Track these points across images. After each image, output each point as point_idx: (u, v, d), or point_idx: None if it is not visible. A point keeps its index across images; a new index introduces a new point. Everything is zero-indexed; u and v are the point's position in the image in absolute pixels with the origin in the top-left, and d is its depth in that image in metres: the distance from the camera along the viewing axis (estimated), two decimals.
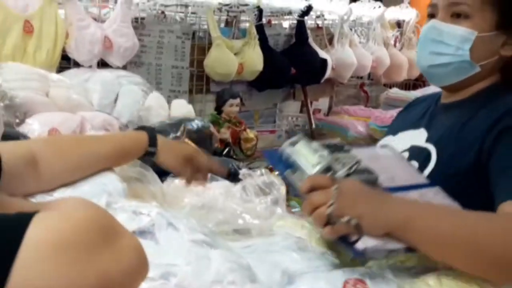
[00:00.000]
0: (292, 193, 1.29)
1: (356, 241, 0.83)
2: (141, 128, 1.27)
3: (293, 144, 0.98)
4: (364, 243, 0.83)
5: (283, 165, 0.97)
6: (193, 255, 0.83)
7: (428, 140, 1.10)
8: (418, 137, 1.13)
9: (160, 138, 1.21)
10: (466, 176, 1.00)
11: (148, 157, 1.20)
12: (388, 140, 1.25)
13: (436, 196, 0.99)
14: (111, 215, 0.63)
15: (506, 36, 1.07)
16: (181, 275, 0.78)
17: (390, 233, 0.84)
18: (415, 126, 1.19)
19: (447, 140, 1.06)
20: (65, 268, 0.53)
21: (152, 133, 1.21)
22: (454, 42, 1.08)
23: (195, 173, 1.25)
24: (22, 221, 0.55)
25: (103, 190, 1.03)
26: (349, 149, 1.01)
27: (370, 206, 0.86)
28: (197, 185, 1.25)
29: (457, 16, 1.08)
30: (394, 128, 1.29)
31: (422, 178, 1.04)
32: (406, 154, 1.12)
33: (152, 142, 1.19)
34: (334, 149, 0.98)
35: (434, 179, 1.02)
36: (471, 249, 0.81)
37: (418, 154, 1.09)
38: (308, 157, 0.94)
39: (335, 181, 0.88)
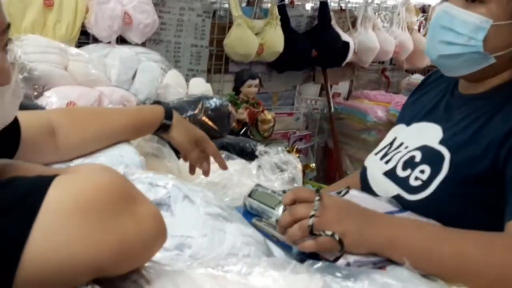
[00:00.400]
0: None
1: (337, 258, 0.81)
2: (157, 102, 1.28)
3: (251, 195, 1.02)
4: (346, 258, 0.81)
5: (250, 217, 0.98)
6: (209, 228, 0.83)
7: (442, 142, 1.04)
8: (432, 135, 1.07)
9: (175, 114, 1.22)
10: (480, 183, 0.95)
11: (162, 131, 1.21)
12: (401, 129, 1.20)
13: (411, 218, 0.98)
14: (131, 183, 0.63)
15: None
16: (196, 246, 0.79)
17: (374, 252, 0.83)
18: (429, 117, 1.13)
19: (462, 144, 1.00)
20: (84, 231, 0.54)
21: (168, 107, 1.22)
22: (466, 31, 0.98)
23: (201, 157, 1.25)
24: (42, 184, 0.55)
25: (120, 161, 1.04)
26: (318, 192, 1.04)
27: (354, 223, 0.84)
28: (201, 169, 1.25)
29: (472, 0, 0.98)
30: (407, 115, 1.22)
31: (393, 207, 1.03)
32: (418, 154, 1.07)
33: (168, 115, 1.20)
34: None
35: (446, 185, 0.98)
36: (455, 265, 0.80)
37: (431, 158, 1.04)
38: (268, 201, 0.98)
39: (317, 193, 0.86)
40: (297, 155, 2.91)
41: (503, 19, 0.96)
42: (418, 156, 1.07)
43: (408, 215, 1.02)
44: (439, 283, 0.74)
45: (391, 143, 1.18)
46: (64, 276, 0.54)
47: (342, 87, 3.82)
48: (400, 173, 1.08)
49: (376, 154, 1.21)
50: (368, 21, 3.48)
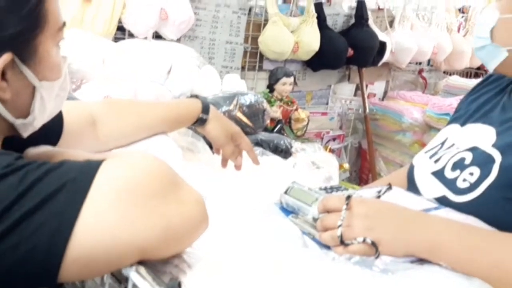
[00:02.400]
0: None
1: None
2: (195, 97, 1.30)
3: (287, 192, 1.02)
4: (381, 259, 0.81)
5: (286, 213, 0.98)
6: (247, 219, 0.85)
7: (494, 145, 1.02)
8: (486, 137, 1.06)
9: (212, 108, 1.25)
10: None
11: (199, 124, 1.23)
12: (454, 129, 1.19)
13: (449, 215, 0.97)
14: (175, 171, 0.66)
15: None
16: (235, 238, 0.80)
17: (412, 255, 0.82)
18: (485, 119, 1.11)
19: None
20: (131, 214, 0.56)
21: (205, 101, 1.25)
22: (482, 25, 1.04)
23: (235, 151, 1.27)
24: (92, 166, 0.58)
25: (160, 153, 1.06)
26: (346, 188, 1.06)
27: (388, 230, 0.83)
28: (234, 163, 1.27)
29: None
30: (462, 116, 1.21)
31: (430, 203, 1.02)
32: (469, 156, 1.05)
33: (205, 109, 1.22)
34: (330, 190, 1.05)
35: (494, 189, 0.97)
36: (496, 276, 0.78)
37: (481, 160, 1.02)
38: (305, 198, 0.98)
39: (346, 201, 0.86)
40: (331, 155, 2.91)
41: (508, 12, 0.99)
42: (468, 157, 1.05)
43: (446, 211, 1.01)
44: (478, 282, 0.74)
45: (443, 143, 1.17)
46: (110, 256, 0.56)
47: (378, 87, 3.79)
48: (449, 174, 1.07)
49: (426, 152, 1.20)
50: (406, 21, 3.45)
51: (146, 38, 2.45)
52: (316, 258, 0.71)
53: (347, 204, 0.86)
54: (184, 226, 0.61)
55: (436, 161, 1.13)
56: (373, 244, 0.81)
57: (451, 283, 0.72)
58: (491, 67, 1.08)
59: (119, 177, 0.58)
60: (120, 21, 2.40)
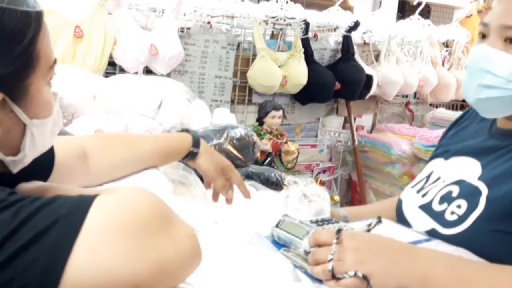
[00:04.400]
0: None
1: None
2: (185, 131, 1.30)
3: (278, 225, 1.02)
4: None
5: (278, 247, 0.99)
6: (238, 253, 0.84)
7: (480, 178, 1.03)
8: (470, 170, 1.07)
9: (203, 142, 1.25)
10: None
11: (189, 158, 1.23)
12: (439, 163, 1.20)
13: (438, 247, 0.97)
14: (168, 205, 0.65)
15: None
16: (226, 272, 0.80)
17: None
18: (468, 152, 1.12)
19: (500, 179, 0.98)
20: (124, 250, 0.56)
21: (195, 135, 1.25)
22: (505, 74, 0.96)
23: (226, 185, 1.26)
24: (85, 202, 0.58)
25: (150, 187, 1.06)
26: (337, 221, 1.06)
27: (379, 264, 0.83)
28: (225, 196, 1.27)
29: (510, 41, 0.97)
30: (445, 150, 1.21)
31: (420, 235, 1.03)
32: (456, 189, 1.06)
33: (196, 143, 1.23)
34: (321, 223, 1.05)
35: (482, 221, 0.97)
36: None
37: (468, 193, 1.03)
38: (296, 231, 0.98)
39: (337, 235, 0.86)
40: (322, 187, 2.91)
41: None
42: (455, 190, 1.06)
43: (436, 244, 1.01)
44: None
45: (428, 177, 1.18)
46: None
47: (366, 120, 3.83)
48: (436, 207, 1.07)
49: (412, 187, 1.21)
50: (391, 55, 3.51)
51: (136, 73, 2.46)
52: None
53: (337, 238, 0.86)
54: (178, 261, 0.60)
55: (423, 196, 1.14)
56: (365, 277, 0.81)
57: None
58: (501, 115, 1.05)
59: (112, 213, 0.57)
60: (111, 57, 2.42)
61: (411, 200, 1.17)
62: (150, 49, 2.51)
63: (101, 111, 1.82)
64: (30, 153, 0.73)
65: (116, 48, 2.41)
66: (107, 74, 2.45)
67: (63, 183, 0.95)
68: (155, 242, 0.58)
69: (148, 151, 1.16)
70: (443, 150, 1.22)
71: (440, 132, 3.17)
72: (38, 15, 0.68)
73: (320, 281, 0.86)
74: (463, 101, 4.07)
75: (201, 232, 0.90)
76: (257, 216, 1.16)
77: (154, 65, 2.58)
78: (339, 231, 0.88)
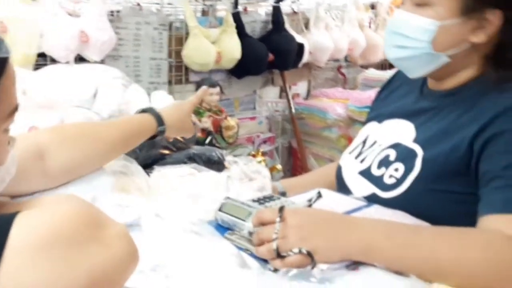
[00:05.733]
0: None
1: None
2: (142, 111, 1.21)
3: (221, 208, 1.00)
4: (318, 267, 0.80)
5: (222, 231, 0.96)
6: (182, 245, 0.82)
7: (415, 140, 1.04)
8: (405, 132, 1.07)
9: (163, 114, 1.18)
10: (452, 179, 0.95)
11: (159, 136, 1.19)
12: (373, 127, 1.20)
13: (378, 212, 0.99)
14: (96, 207, 0.61)
15: (475, 21, 0.96)
16: (171, 266, 0.77)
17: (347, 259, 0.82)
18: (401, 114, 1.12)
19: (434, 141, 1.00)
20: (52, 269, 0.52)
21: (154, 112, 1.18)
22: (414, 34, 1.00)
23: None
24: (4, 223, 0.53)
25: (89, 185, 1.01)
26: (278, 197, 1.04)
27: (322, 239, 0.82)
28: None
29: (419, 5, 1.00)
30: (378, 112, 1.21)
31: (359, 202, 1.04)
32: (393, 152, 1.07)
33: (159, 120, 1.16)
34: (263, 200, 1.02)
35: (419, 182, 0.99)
36: (428, 268, 0.80)
37: (404, 156, 1.04)
38: (239, 213, 0.96)
39: (280, 213, 0.85)
40: (263, 157, 2.91)
41: (450, 19, 0.97)
42: (392, 154, 1.07)
43: (375, 208, 1.02)
44: (411, 279, 0.74)
45: (364, 142, 1.18)
46: None
47: (301, 87, 3.83)
48: (375, 171, 1.08)
49: (350, 153, 1.21)
50: (320, 22, 3.51)
51: (68, 62, 2.36)
52: (253, 277, 0.69)
53: (280, 216, 0.84)
54: (112, 267, 0.57)
55: (362, 161, 1.14)
56: (309, 253, 0.80)
57: (386, 285, 0.72)
58: (420, 74, 1.06)
59: (35, 230, 0.53)
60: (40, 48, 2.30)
61: (350, 166, 1.18)
62: (80, 36, 2.40)
63: (33, 107, 1.73)
64: None
65: (44, 38, 2.29)
66: (38, 66, 2.33)
67: (20, 187, 0.88)
68: (85, 252, 0.54)
69: (111, 139, 1.05)
70: (377, 113, 1.22)
71: (372, 92, 3.21)
72: (2, 60, 0.61)
73: (266, 261, 0.84)
74: None
75: (144, 227, 0.87)
76: (200, 201, 1.14)
77: (86, 52, 2.47)
78: (281, 208, 0.86)
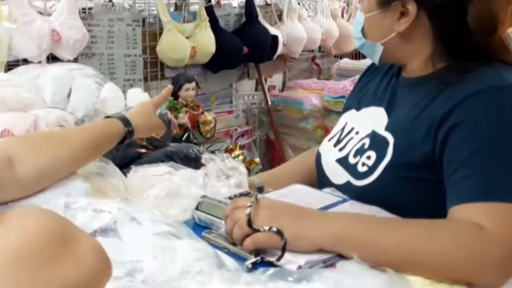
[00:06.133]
0: None
1: (282, 255, 0.81)
2: (107, 117, 1.24)
3: (198, 207, 1.00)
4: (296, 262, 0.81)
5: (199, 230, 0.96)
6: (159, 248, 0.80)
7: (387, 128, 1.05)
8: (379, 120, 1.08)
9: (129, 116, 1.19)
10: (422, 168, 0.96)
11: (129, 138, 1.18)
12: (352, 114, 1.21)
13: (353, 207, 1.00)
14: (67, 220, 0.59)
15: (395, 12, 1.00)
16: (147, 270, 0.76)
17: (319, 247, 0.83)
18: (377, 101, 1.14)
19: (405, 128, 1.00)
20: (22, 285, 0.50)
21: (119, 116, 1.19)
22: (356, 26, 1.10)
23: None
24: None
25: (63, 191, 0.99)
26: (255, 194, 1.04)
27: (292, 219, 0.85)
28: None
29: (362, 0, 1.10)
30: (357, 100, 1.22)
31: (335, 197, 1.05)
32: (367, 141, 1.08)
33: (126, 122, 1.16)
34: (240, 197, 1.02)
35: (389, 170, 1.00)
36: (401, 254, 0.81)
37: (377, 144, 1.05)
38: (216, 212, 0.96)
39: (255, 198, 0.88)
40: (241, 151, 2.91)
41: (371, 12, 1.05)
42: (367, 143, 1.08)
43: (350, 204, 1.03)
44: (388, 273, 0.74)
45: (343, 128, 1.19)
46: None
47: (276, 79, 3.82)
48: (352, 160, 1.09)
49: (329, 140, 1.22)
50: (293, 13, 3.50)
51: (40, 62, 2.31)
52: (231, 277, 0.68)
53: (253, 202, 0.87)
54: (85, 281, 0.54)
55: (340, 149, 1.15)
56: (279, 232, 0.81)
57: (363, 279, 0.71)
58: (375, 61, 1.12)
59: (1, 249, 0.51)
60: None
61: (328, 154, 1.19)
62: (52, 35, 2.35)
63: (5, 109, 1.69)
64: None
65: (15, 38, 2.23)
66: (10, 67, 2.27)
67: None
68: (55, 270, 0.51)
69: (80, 145, 1.05)
70: (356, 100, 1.23)
71: (346, 82, 3.23)
72: None
73: (243, 260, 0.84)
74: None
75: (120, 232, 0.85)
76: (177, 200, 1.13)
77: (59, 51, 2.42)
78: (256, 197, 0.89)
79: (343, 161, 1.11)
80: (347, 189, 1.08)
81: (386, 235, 0.83)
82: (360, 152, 1.08)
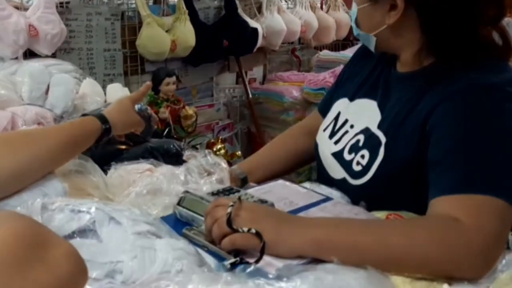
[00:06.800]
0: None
1: (260, 256, 0.80)
2: (83, 115, 1.22)
3: (180, 203, 0.99)
4: (275, 265, 0.80)
5: (180, 226, 0.94)
6: (138, 248, 0.79)
7: (379, 126, 1.05)
8: (372, 116, 1.08)
9: (106, 113, 1.18)
10: (412, 167, 0.97)
11: (106, 135, 1.17)
12: (344, 104, 1.20)
13: (336, 207, 1.00)
14: (40, 224, 0.58)
15: (385, 5, 1.01)
16: (127, 271, 0.75)
17: (299, 254, 0.82)
18: (370, 94, 1.14)
19: (396, 127, 1.01)
20: None
21: (97, 113, 1.18)
22: (353, 19, 1.12)
23: None
24: None
25: (40, 191, 0.97)
26: (238, 190, 1.05)
27: (271, 223, 0.84)
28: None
29: None
30: (349, 88, 1.22)
31: (318, 196, 1.06)
32: (362, 138, 1.08)
33: (102, 119, 1.15)
34: (223, 194, 1.03)
35: (382, 170, 1.00)
36: (380, 253, 0.80)
37: (370, 142, 1.05)
38: (197, 208, 0.95)
39: (237, 199, 0.87)
40: (223, 145, 2.89)
41: (364, 3, 1.05)
42: (361, 140, 1.08)
43: (333, 203, 1.03)
44: (369, 271, 0.74)
45: (336, 118, 1.19)
46: None
47: (257, 72, 3.80)
48: (347, 156, 1.10)
49: (324, 130, 1.21)
50: (272, 5, 3.48)
51: (17, 58, 2.26)
52: (210, 275, 0.67)
53: (235, 202, 0.86)
54: (60, 286, 0.53)
55: (335, 142, 1.15)
56: (258, 234, 0.80)
57: (343, 277, 0.71)
58: (372, 50, 1.12)
59: None
60: None
61: (325, 145, 1.19)
62: (29, 30, 2.29)
63: None
64: None
65: None
66: None
67: None
68: (27, 274, 0.50)
69: (55, 144, 1.02)
70: (346, 89, 1.23)
71: (326, 74, 3.22)
72: None
73: (222, 259, 0.83)
74: (344, 40, 4.16)
75: (99, 232, 0.83)
76: (158, 197, 1.11)
77: (36, 47, 2.37)
78: (239, 197, 0.88)
79: (338, 156, 1.12)
80: (344, 186, 1.09)
81: (365, 238, 0.83)
82: (355, 149, 1.08)
